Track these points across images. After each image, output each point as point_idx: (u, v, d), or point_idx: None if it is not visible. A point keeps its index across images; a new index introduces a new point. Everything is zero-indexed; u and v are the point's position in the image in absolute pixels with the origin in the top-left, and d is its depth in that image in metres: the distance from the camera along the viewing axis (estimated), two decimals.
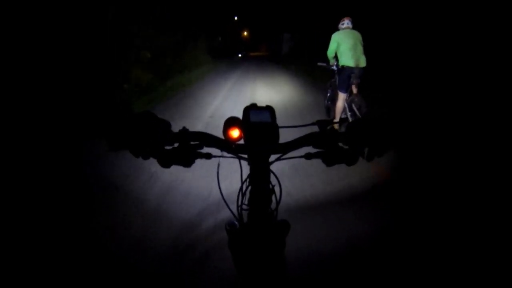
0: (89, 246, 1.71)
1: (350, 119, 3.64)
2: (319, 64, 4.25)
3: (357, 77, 3.63)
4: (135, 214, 2.04)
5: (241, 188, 0.66)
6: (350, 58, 3.59)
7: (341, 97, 3.77)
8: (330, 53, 3.88)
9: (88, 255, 1.64)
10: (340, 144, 0.62)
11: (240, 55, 32.06)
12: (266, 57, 30.93)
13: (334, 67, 3.96)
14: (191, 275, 1.52)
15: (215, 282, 1.47)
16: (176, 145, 0.62)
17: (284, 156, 0.65)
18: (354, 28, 3.82)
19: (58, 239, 1.76)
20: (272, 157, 0.64)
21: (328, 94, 4.51)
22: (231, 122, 0.61)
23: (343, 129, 0.66)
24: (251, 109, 0.65)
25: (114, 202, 2.19)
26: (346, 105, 3.79)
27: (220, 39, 25.52)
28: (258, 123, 0.61)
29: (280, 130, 0.62)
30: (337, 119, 3.70)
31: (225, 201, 0.70)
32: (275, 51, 29.05)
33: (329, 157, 0.62)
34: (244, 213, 0.67)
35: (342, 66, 3.67)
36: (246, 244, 0.66)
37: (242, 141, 0.63)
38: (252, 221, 0.65)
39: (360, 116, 3.39)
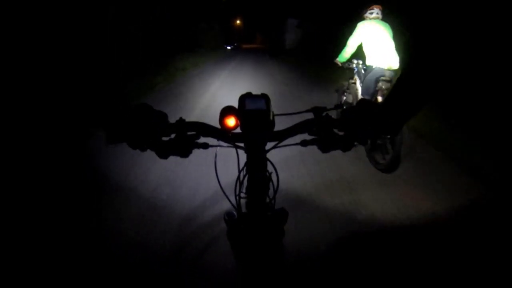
0: (88, 245, 1.73)
1: None
2: (337, 61, 3.57)
3: (387, 82, 2.99)
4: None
5: (238, 177, 0.70)
6: (381, 57, 2.94)
7: None
8: (349, 45, 3.23)
9: (88, 253, 1.66)
10: (335, 131, 0.65)
11: (229, 48, 27.86)
12: (263, 50, 26.05)
13: (354, 66, 3.37)
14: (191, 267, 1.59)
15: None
16: (173, 136, 0.64)
17: (280, 144, 0.68)
18: (383, 19, 3.16)
19: (57, 235, 1.79)
20: (269, 145, 0.67)
21: (344, 99, 3.87)
22: (227, 111, 0.63)
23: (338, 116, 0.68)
24: (247, 97, 0.65)
25: (113, 196, 2.23)
26: None
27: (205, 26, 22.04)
28: (253, 110, 0.62)
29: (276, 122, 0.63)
30: None
31: (223, 191, 0.72)
32: (275, 43, 23.48)
33: (325, 144, 0.64)
34: (243, 203, 0.70)
35: (370, 67, 3.02)
36: (245, 233, 0.69)
37: (238, 130, 0.64)
38: (250, 210, 0.68)
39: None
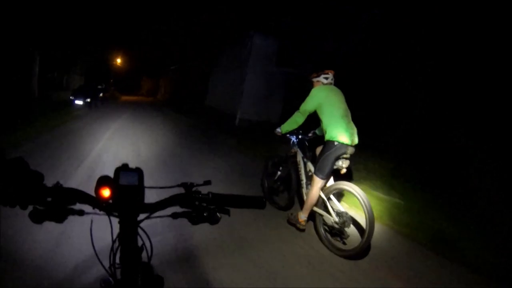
0: None
1: (334, 219, 2.58)
2: (278, 131, 3.16)
3: (347, 160, 2.68)
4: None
5: (112, 247, 0.74)
6: (344, 130, 2.62)
7: (318, 183, 2.72)
8: (303, 114, 2.97)
9: None
10: (204, 205, 0.76)
11: (79, 103, 12.32)
12: (153, 105, 17.19)
13: (292, 137, 3.25)
14: None
15: None
16: (48, 199, 0.67)
17: (152, 215, 0.76)
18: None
19: None
20: (141, 216, 0.74)
21: (278, 174, 3.41)
22: (102, 181, 0.69)
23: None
24: (122, 170, 0.71)
25: None
26: (323, 196, 2.70)
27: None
28: (126, 186, 0.69)
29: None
30: (305, 214, 2.85)
31: (98, 258, 0.76)
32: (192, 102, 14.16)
33: (194, 217, 0.75)
34: (119, 269, 0.73)
35: (330, 142, 2.63)
36: None
37: (112, 200, 0.70)
38: (125, 278, 0.71)
39: (345, 218, 2.64)
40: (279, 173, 3.40)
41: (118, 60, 29.55)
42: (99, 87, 15.63)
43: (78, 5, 12.09)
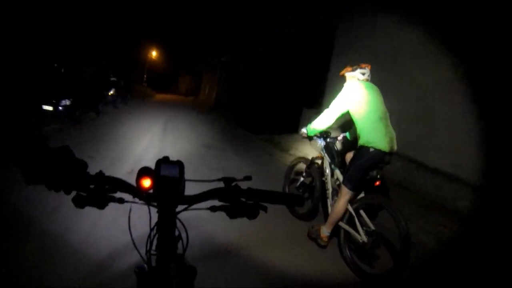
0: None
1: (363, 239, 2.24)
2: (304, 132, 2.82)
3: (381, 169, 2.33)
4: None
5: (149, 235, 0.77)
6: (383, 135, 2.27)
7: (346, 195, 2.38)
8: (333, 114, 2.54)
9: None
10: (243, 200, 0.77)
11: (47, 108, 6.28)
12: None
13: (320, 140, 2.87)
14: None
15: None
16: (91, 186, 0.72)
17: (190, 207, 0.78)
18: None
19: None
20: (180, 207, 0.77)
21: (301, 180, 3.10)
22: (143, 172, 0.73)
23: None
24: (163, 162, 0.74)
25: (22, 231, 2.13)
26: (351, 210, 2.36)
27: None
28: (167, 177, 0.72)
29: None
30: (328, 229, 2.52)
31: (134, 245, 0.80)
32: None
33: (232, 211, 0.77)
34: (154, 257, 0.76)
35: (364, 148, 2.29)
36: (154, 287, 0.76)
37: (153, 190, 0.74)
38: (159, 265, 0.75)
39: (375, 238, 2.24)
40: (302, 179, 3.10)
41: (154, 53, 27.67)
42: (112, 79, 10.57)
43: None
